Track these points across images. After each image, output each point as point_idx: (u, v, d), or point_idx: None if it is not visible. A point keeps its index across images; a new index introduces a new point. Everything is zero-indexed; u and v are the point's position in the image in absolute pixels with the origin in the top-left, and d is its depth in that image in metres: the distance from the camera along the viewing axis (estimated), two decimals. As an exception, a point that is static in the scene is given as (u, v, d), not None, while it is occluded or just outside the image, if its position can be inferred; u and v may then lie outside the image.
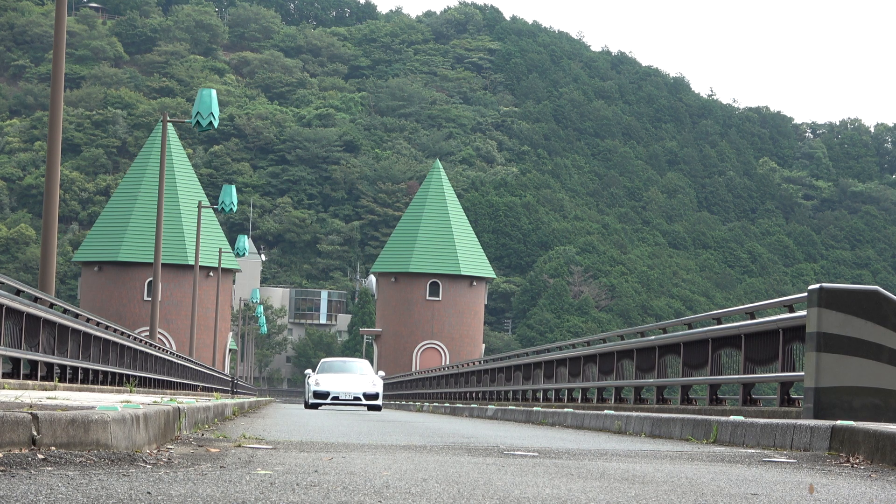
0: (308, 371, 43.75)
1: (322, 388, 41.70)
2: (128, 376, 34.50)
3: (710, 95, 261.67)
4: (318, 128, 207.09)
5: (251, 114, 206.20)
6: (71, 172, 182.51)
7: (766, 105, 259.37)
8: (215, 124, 45.43)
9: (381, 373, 45.23)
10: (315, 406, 41.83)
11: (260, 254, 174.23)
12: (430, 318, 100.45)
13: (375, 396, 41.79)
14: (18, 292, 21.38)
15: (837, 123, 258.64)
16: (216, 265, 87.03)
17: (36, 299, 22.88)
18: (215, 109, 45.38)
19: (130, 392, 27.25)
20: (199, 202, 69.40)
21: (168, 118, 50.40)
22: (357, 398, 41.63)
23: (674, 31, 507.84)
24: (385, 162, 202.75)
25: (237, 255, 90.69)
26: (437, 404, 48.96)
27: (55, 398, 12.29)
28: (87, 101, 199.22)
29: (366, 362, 44.96)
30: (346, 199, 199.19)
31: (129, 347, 35.07)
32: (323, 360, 45.06)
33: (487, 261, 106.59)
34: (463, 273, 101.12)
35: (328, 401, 41.61)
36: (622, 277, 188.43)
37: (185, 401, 15.78)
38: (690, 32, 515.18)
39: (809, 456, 10.93)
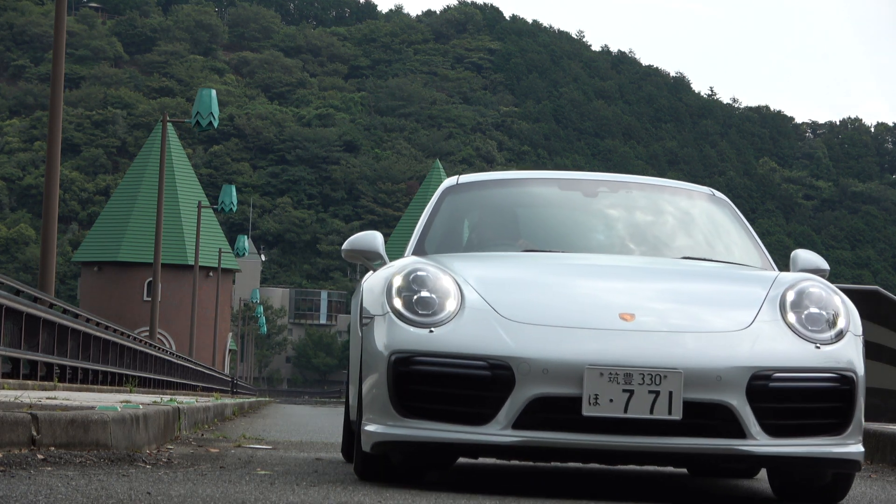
0: (375, 248, 7.63)
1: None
2: (128, 376, 34.49)
3: (710, 95, 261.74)
4: (317, 128, 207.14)
5: (251, 114, 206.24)
6: (71, 172, 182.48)
7: (766, 105, 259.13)
8: (215, 124, 45.50)
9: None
10: (417, 466, 6.74)
11: (260, 254, 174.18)
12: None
13: (836, 421, 6.18)
14: (18, 292, 21.37)
15: (837, 123, 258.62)
16: (216, 265, 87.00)
17: (36, 299, 22.87)
18: (215, 109, 45.42)
19: (130, 392, 27.22)
20: (199, 202, 69.45)
21: (168, 118, 50.38)
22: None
23: (674, 31, 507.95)
24: (385, 162, 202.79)
25: (237, 255, 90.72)
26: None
27: (55, 398, 12.28)
28: (87, 101, 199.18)
29: (726, 203, 7.87)
30: (346, 199, 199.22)
31: (129, 347, 35.07)
32: (459, 179, 8.31)
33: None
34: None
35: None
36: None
37: (185, 401, 15.78)
38: (690, 32, 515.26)
39: (809, 456, 10.89)
